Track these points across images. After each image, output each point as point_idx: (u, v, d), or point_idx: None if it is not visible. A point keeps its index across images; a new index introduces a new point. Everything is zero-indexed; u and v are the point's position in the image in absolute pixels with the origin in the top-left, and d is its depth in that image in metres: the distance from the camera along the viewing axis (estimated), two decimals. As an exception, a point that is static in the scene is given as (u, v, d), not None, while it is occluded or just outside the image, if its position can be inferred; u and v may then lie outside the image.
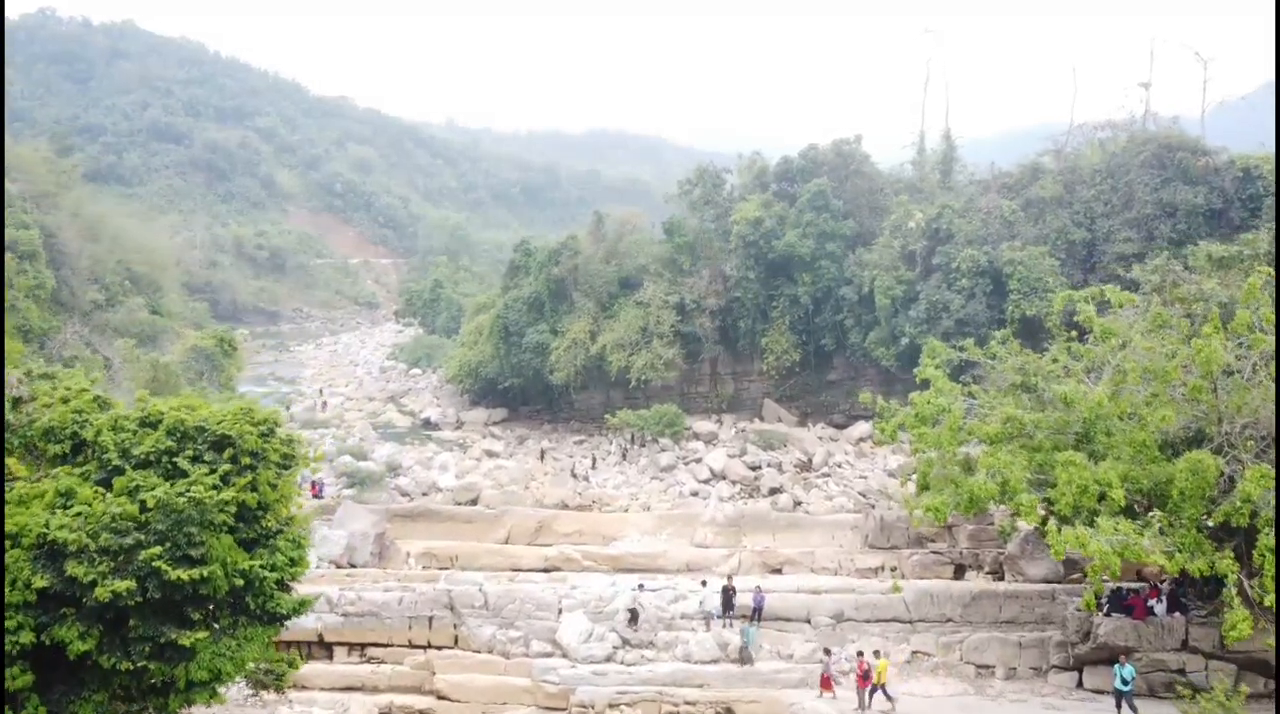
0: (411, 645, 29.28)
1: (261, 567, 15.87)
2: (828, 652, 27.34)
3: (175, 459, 15.51)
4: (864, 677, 24.96)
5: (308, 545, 17.46)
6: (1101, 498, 20.71)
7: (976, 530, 34.93)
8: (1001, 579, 34.78)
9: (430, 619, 29.18)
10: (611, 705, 26.72)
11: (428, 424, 69.24)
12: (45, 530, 14.52)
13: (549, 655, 28.12)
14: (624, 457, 57.92)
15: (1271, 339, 22.15)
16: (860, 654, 26.11)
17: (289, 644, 27.31)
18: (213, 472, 15.37)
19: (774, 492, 50.62)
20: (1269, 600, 20.16)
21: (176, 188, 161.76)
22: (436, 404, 74.63)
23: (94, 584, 14.14)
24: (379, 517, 39.45)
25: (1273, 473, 20.45)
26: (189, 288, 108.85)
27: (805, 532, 40.46)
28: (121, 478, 15.25)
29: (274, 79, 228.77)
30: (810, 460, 55.37)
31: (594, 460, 57.12)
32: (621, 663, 27.67)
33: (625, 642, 28.29)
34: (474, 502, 49.98)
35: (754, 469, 53.80)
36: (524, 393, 67.27)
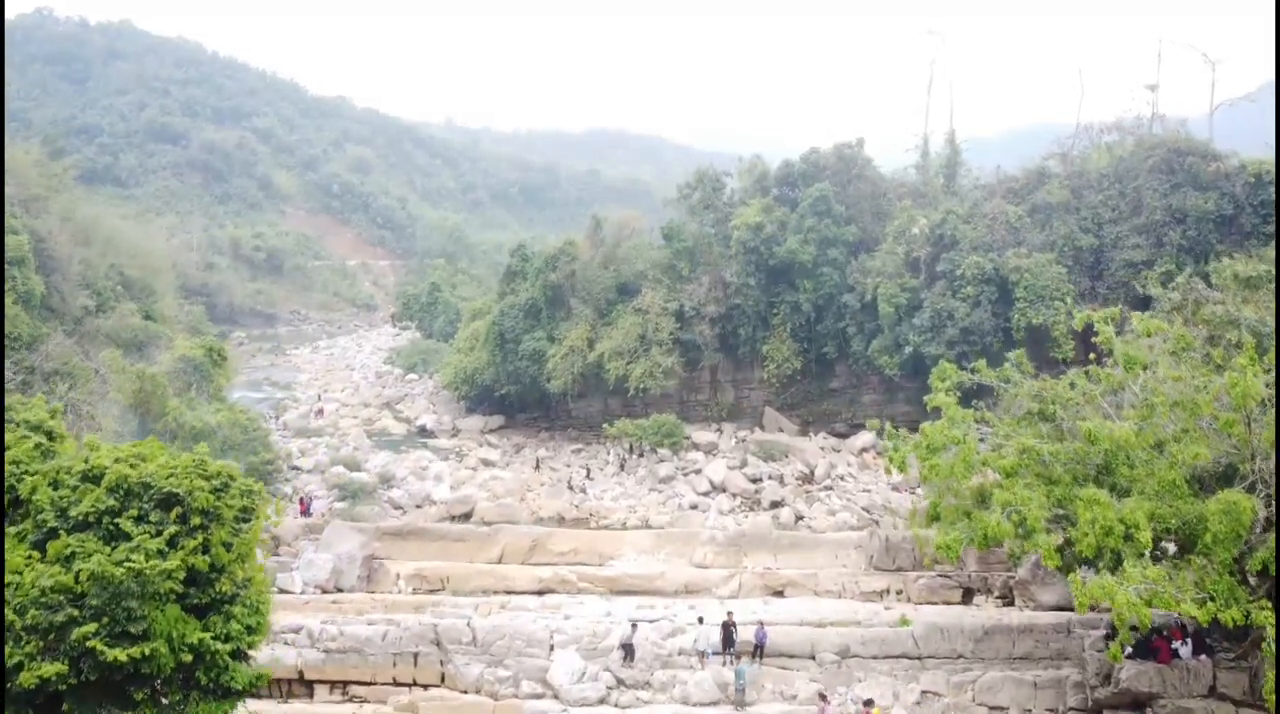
0: (396, 684, 27.92)
1: (214, 638, 14.43)
2: (824, 697, 25.94)
3: (117, 520, 14.09)
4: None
5: (268, 609, 15.99)
6: (1127, 538, 19.36)
7: (985, 553, 33.55)
8: (1011, 604, 33.52)
9: (416, 656, 27.83)
10: (605, 751, 25.35)
11: (423, 432, 68.13)
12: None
13: (540, 697, 26.70)
14: (622, 467, 56.72)
15: None
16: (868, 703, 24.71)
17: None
18: (159, 533, 13.96)
19: (775, 505, 49.35)
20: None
21: (173, 189, 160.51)
22: (432, 411, 73.43)
23: (20, 667, 12.77)
24: (367, 537, 38.20)
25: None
26: (185, 290, 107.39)
27: (808, 551, 39.11)
28: (57, 542, 13.83)
29: (272, 79, 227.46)
30: (812, 472, 54.09)
31: (588, 471, 55.91)
32: (616, 705, 26.28)
33: (620, 681, 26.91)
34: (468, 515, 48.93)
35: (755, 481, 52.55)
36: (521, 400, 66.14)
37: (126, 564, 13.24)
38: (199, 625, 14.40)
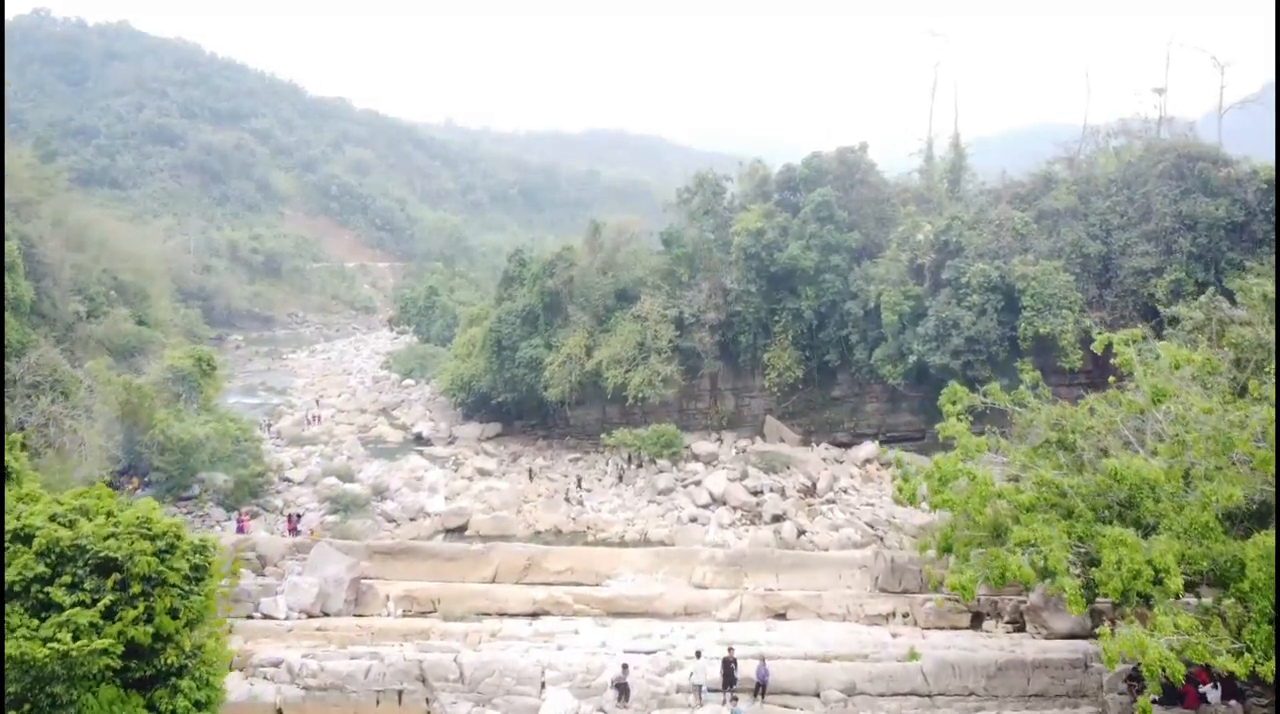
0: (380, 722, 26.59)
1: (157, 716, 13.12)
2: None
3: (48, 588, 12.75)
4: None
5: (222, 679, 14.59)
6: (1156, 581, 18.03)
7: (997, 577, 32.26)
8: (1022, 629, 32.24)
9: (400, 693, 26.46)
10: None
11: (419, 439, 67.04)
12: None
13: (530, 738, 25.38)
14: (620, 478, 55.49)
15: None
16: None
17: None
18: (94, 603, 12.62)
19: (776, 519, 48.08)
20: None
21: (170, 191, 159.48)
22: (429, 417, 72.30)
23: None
24: (356, 557, 36.85)
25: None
26: (182, 293, 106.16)
27: (811, 571, 37.77)
28: (-25, 615, 12.50)
29: (270, 80, 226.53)
30: (814, 485, 52.82)
31: (579, 480, 54.72)
32: (610, 747, 24.98)
33: (614, 721, 25.58)
34: (463, 528, 47.85)
35: (755, 494, 51.32)
36: (518, 408, 64.99)
37: (52, 644, 11.89)
38: (141, 702, 13.04)
